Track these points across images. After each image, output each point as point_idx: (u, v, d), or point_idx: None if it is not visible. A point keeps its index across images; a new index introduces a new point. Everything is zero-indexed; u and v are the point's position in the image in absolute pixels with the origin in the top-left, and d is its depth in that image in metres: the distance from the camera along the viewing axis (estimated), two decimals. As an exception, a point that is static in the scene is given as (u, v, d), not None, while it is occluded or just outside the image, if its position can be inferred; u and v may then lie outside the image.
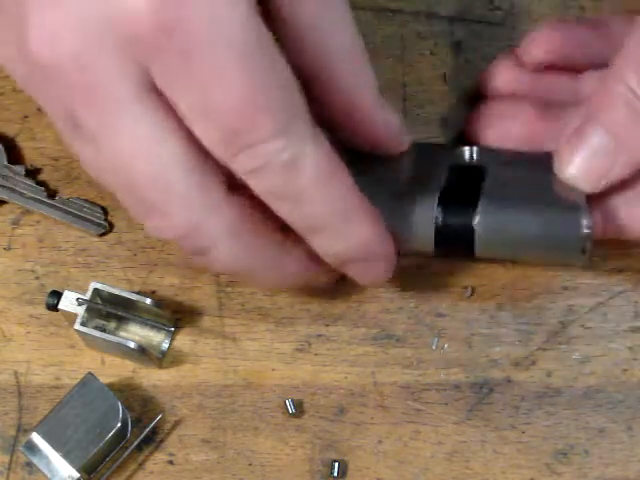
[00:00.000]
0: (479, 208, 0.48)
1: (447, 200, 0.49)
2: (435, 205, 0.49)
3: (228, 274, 0.50)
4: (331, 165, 0.44)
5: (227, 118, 0.41)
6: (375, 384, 0.51)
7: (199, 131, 0.42)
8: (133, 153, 0.42)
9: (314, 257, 0.47)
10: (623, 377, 0.51)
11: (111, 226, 0.54)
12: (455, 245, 0.49)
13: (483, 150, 0.51)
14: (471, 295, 0.52)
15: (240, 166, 0.42)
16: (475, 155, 0.51)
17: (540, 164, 0.50)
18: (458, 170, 0.51)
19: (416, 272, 0.52)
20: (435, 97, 0.56)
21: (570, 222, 0.48)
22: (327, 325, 0.52)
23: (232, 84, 0.40)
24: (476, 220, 0.48)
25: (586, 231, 0.48)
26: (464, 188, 0.49)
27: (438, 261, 0.52)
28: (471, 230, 0.48)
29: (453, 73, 0.56)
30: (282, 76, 0.42)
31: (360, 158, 0.49)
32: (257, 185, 0.43)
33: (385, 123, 0.48)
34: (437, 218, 0.48)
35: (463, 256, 0.51)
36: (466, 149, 0.51)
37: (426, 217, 0.49)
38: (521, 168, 0.50)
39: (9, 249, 0.54)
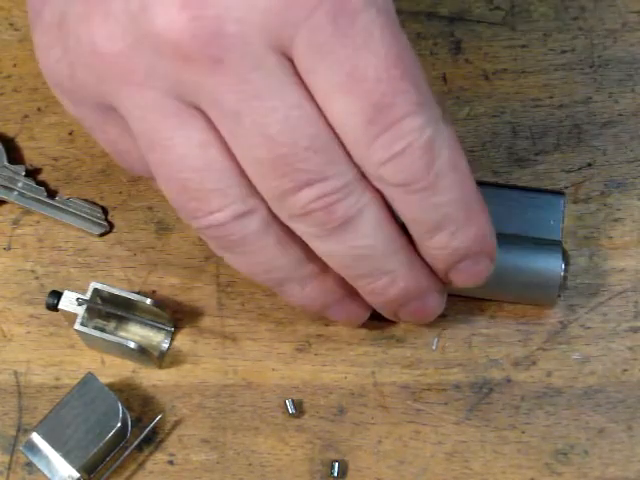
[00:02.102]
0: None
1: None
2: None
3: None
4: (459, 147, 0.42)
5: (374, 88, 0.39)
6: (375, 384, 0.51)
7: (339, 110, 0.40)
8: (287, 117, 0.40)
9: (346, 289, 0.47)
10: (623, 377, 0.51)
11: (111, 226, 0.54)
12: None
13: None
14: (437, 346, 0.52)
15: (381, 152, 0.41)
16: None
17: (504, 196, 0.51)
18: None
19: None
20: (435, 97, 0.56)
21: (546, 267, 0.49)
22: (327, 325, 0.52)
23: (381, 49, 0.39)
24: None
25: (563, 274, 0.49)
26: None
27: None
28: None
29: (453, 73, 0.56)
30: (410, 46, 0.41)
31: None
32: (394, 176, 0.41)
33: None
34: None
35: None
36: None
37: None
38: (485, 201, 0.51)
39: (9, 249, 0.54)
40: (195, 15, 0.39)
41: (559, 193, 0.51)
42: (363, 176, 0.42)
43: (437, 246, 0.45)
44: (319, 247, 0.44)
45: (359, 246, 0.43)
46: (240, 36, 0.39)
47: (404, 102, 0.40)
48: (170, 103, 0.41)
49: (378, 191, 0.43)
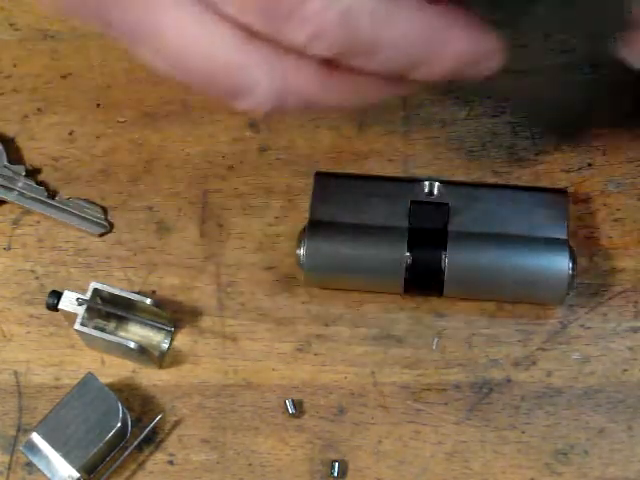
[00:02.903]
0: (448, 250, 0.49)
1: (415, 242, 0.50)
2: (404, 249, 0.50)
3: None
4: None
5: None
6: (375, 384, 0.51)
7: (237, 15, 0.39)
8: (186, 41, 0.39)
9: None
10: (623, 377, 0.51)
11: (111, 226, 0.54)
12: (425, 286, 0.50)
13: (444, 185, 0.51)
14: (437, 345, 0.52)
15: (294, 39, 0.39)
16: (436, 190, 0.51)
17: (506, 196, 0.51)
18: (421, 207, 0.51)
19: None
20: (435, 97, 0.56)
21: (554, 265, 0.49)
22: (327, 325, 0.52)
23: None
24: (446, 263, 0.49)
25: (571, 272, 0.49)
26: (430, 227, 0.50)
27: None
28: (441, 273, 0.49)
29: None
30: None
31: (330, 202, 0.51)
32: (322, 51, 0.39)
33: None
34: (406, 262, 0.49)
35: (433, 295, 0.51)
36: (426, 184, 0.51)
37: (395, 261, 0.50)
38: (488, 202, 0.51)
39: (9, 249, 0.54)
40: None
41: (562, 191, 0.51)
42: None
43: (420, 78, 0.42)
44: None
45: None
46: None
47: None
48: None
49: None
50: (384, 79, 0.41)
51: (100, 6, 0.41)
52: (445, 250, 0.49)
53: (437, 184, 0.51)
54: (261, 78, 0.40)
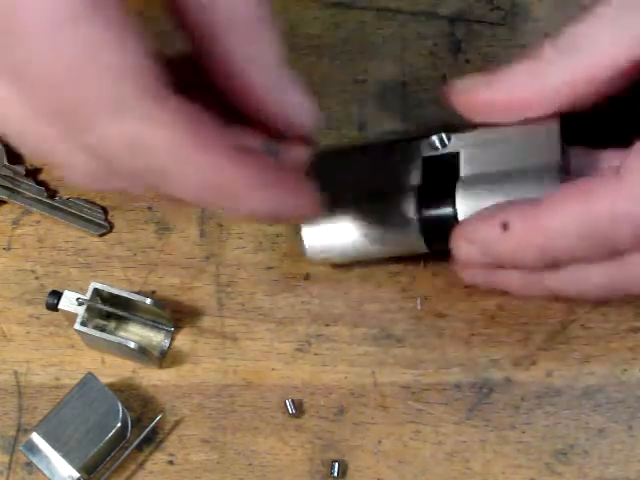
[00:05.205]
0: (458, 197, 0.48)
1: (426, 196, 0.49)
2: (414, 204, 0.49)
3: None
4: (196, 143, 0.39)
5: (46, 95, 0.38)
6: (375, 384, 0.51)
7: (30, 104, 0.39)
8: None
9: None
10: (623, 377, 0.51)
11: (111, 226, 0.54)
12: (443, 237, 0.49)
13: (453, 135, 0.51)
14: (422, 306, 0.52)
15: (76, 142, 0.39)
16: (446, 141, 0.51)
17: (511, 138, 0.50)
18: (432, 161, 0.50)
19: (416, 272, 0.52)
20: (435, 97, 0.56)
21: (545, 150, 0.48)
22: (327, 325, 0.52)
23: (44, 56, 0.37)
24: (457, 210, 0.48)
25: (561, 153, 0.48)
26: (441, 179, 0.49)
27: (437, 262, 0.52)
28: (454, 220, 0.48)
29: (453, 73, 0.56)
30: (112, 44, 0.37)
31: (338, 163, 0.50)
32: (100, 159, 0.40)
33: (286, 104, 0.42)
34: (419, 216, 0.49)
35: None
36: (435, 138, 0.51)
37: (408, 218, 0.49)
38: (495, 146, 0.50)
39: (9, 249, 0.54)
40: None
41: (553, 121, 0.50)
42: None
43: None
44: None
45: None
46: None
47: (85, 112, 0.38)
48: None
49: None
50: None
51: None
52: (454, 199, 0.49)
53: (445, 135, 0.51)
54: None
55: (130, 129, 0.38)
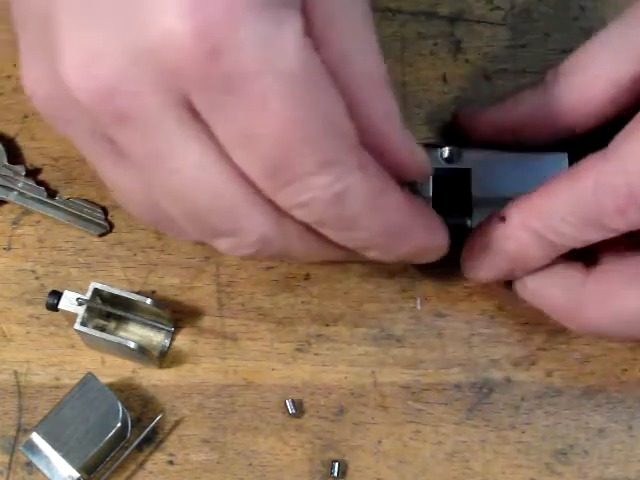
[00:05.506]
0: (473, 214, 0.50)
1: (440, 208, 0.49)
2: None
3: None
4: (380, 189, 0.42)
5: (269, 151, 0.39)
6: (375, 384, 0.51)
7: (240, 162, 0.40)
8: (186, 180, 0.40)
9: None
10: (623, 377, 0.51)
11: (111, 226, 0.54)
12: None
13: (463, 149, 0.51)
14: (422, 306, 0.52)
15: (285, 200, 0.41)
16: (455, 155, 0.51)
17: (521, 164, 0.51)
18: (442, 173, 0.51)
19: (416, 272, 0.53)
20: (435, 97, 0.56)
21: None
22: (327, 325, 0.52)
23: (276, 115, 0.38)
24: (472, 225, 0.49)
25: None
26: (453, 193, 0.50)
27: (437, 262, 0.52)
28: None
29: (453, 73, 0.56)
30: (331, 106, 0.40)
31: None
32: (303, 217, 0.42)
33: (407, 152, 0.45)
34: None
35: None
36: (446, 149, 0.51)
37: None
38: (505, 170, 0.51)
39: (9, 249, 0.54)
40: (88, 73, 0.39)
41: (561, 151, 0.51)
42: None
43: (372, 258, 0.45)
44: None
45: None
46: (137, 94, 0.39)
47: (304, 164, 0.39)
48: (100, 145, 0.42)
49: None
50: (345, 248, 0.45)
51: None
52: (470, 215, 0.50)
53: (455, 149, 0.51)
54: (252, 224, 0.42)
55: (340, 181, 0.40)
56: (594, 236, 0.44)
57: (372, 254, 0.45)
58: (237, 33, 0.37)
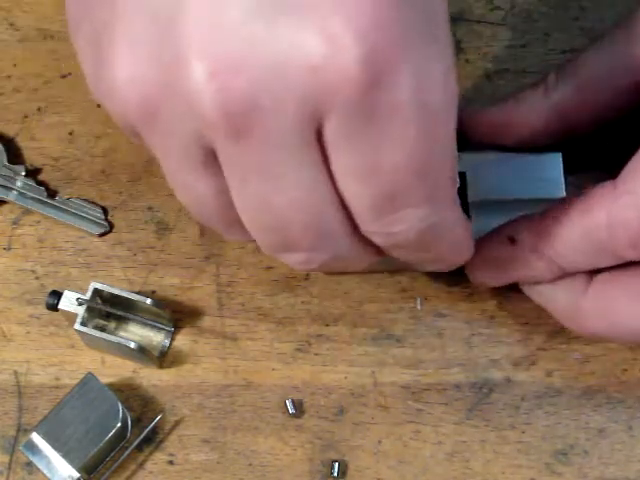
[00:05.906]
0: (470, 216, 0.50)
1: None
2: None
3: None
4: (459, 216, 0.43)
5: (384, 183, 0.39)
6: (375, 384, 0.51)
7: (348, 191, 0.39)
8: (288, 202, 0.39)
9: None
10: (623, 377, 0.51)
11: (111, 226, 0.54)
12: None
13: (459, 153, 0.51)
14: (422, 306, 0.52)
15: (376, 228, 0.41)
16: None
17: (516, 166, 0.51)
18: None
19: (416, 272, 0.52)
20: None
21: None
22: (327, 325, 0.52)
23: (410, 146, 0.38)
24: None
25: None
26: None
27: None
28: None
29: (453, 73, 0.56)
30: (451, 140, 0.40)
31: None
32: (384, 242, 0.42)
33: None
34: None
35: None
36: None
37: None
38: (500, 172, 0.51)
39: (9, 249, 0.54)
40: (224, 86, 0.36)
41: (555, 152, 0.51)
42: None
43: (421, 269, 0.48)
44: None
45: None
46: (270, 111, 0.37)
47: (413, 196, 0.40)
48: (193, 151, 0.40)
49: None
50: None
51: None
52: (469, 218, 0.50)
53: None
54: (332, 244, 0.42)
55: (436, 214, 0.41)
56: (605, 264, 0.45)
57: (429, 268, 0.47)
58: (400, 66, 0.36)
